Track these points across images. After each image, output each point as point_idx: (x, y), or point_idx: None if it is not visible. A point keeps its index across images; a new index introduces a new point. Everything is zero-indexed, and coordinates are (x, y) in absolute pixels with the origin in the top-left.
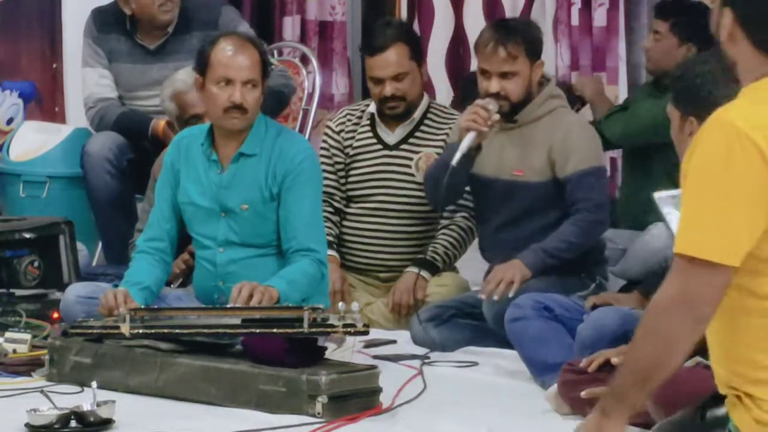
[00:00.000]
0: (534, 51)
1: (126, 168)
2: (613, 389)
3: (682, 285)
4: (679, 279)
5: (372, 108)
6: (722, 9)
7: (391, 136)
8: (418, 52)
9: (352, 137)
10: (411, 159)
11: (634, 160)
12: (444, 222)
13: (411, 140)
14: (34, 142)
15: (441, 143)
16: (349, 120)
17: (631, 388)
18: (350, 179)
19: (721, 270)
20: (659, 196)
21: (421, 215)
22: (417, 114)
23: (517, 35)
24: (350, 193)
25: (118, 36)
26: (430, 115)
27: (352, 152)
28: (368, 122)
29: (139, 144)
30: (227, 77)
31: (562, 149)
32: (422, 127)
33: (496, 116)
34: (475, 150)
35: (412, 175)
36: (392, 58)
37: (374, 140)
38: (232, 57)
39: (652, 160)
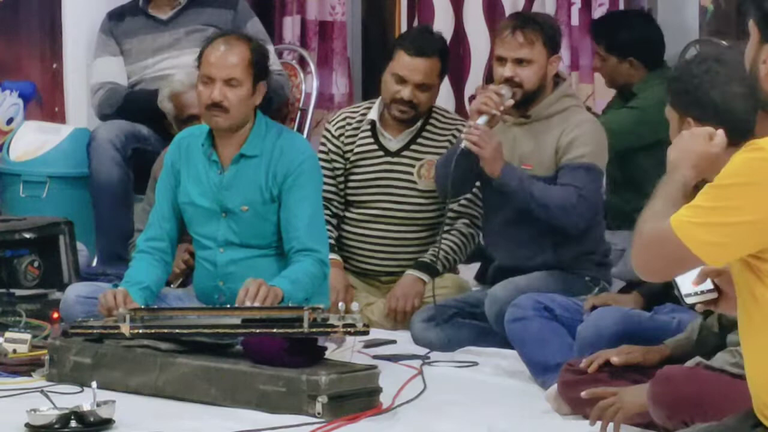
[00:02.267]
0: (552, 43)
1: (131, 156)
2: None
3: (658, 251)
4: (661, 245)
5: (372, 114)
6: (761, 46)
7: (392, 142)
8: (444, 71)
9: (353, 142)
10: (413, 166)
11: (621, 162)
12: (445, 228)
13: (413, 147)
14: (34, 142)
15: (443, 150)
16: (348, 124)
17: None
18: (350, 184)
19: (697, 261)
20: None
21: (423, 222)
22: (420, 122)
23: (536, 24)
24: (350, 198)
25: (131, 17)
26: (432, 121)
27: (352, 158)
28: (369, 127)
29: (143, 136)
30: (209, 75)
31: (566, 140)
32: (424, 133)
33: (510, 101)
34: None
35: (414, 182)
36: (427, 67)
37: (375, 146)
38: (216, 55)
39: (640, 158)
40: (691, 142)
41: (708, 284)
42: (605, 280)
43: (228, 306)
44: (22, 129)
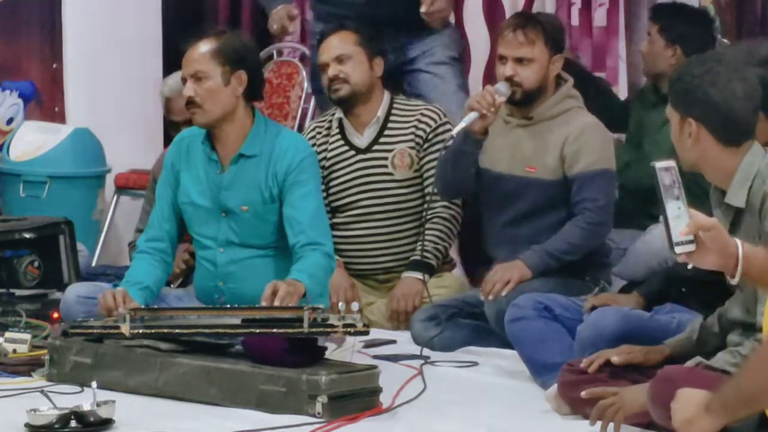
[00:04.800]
0: (554, 43)
1: None
2: (724, 396)
3: None
4: None
5: (339, 112)
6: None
7: (361, 140)
8: (371, 44)
9: (325, 149)
10: (386, 159)
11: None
12: (427, 216)
13: (381, 140)
14: (34, 142)
15: (411, 137)
16: (318, 133)
17: (738, 403)
18: (331, 190)
19: None
20: (659, 165)
21: (408, 212)
22: (380, 112)
23: (538, 23)
24: (334, 204)
25: None
26: (394, 111)
27: (327, 164)
28: (338, 130)
29: None
30: (183, 76)
31: (573, 147)
32: (389, 125)
33: (502, 98)
34: (480, 134)
35: (391, 174)
36: (335, 42)
37: (346, 147)
38: (185, 56)
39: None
40: (683, 404)
41: (690, 236)
42: (605, 280)
43: (228, 306)
44: (22, 129)
